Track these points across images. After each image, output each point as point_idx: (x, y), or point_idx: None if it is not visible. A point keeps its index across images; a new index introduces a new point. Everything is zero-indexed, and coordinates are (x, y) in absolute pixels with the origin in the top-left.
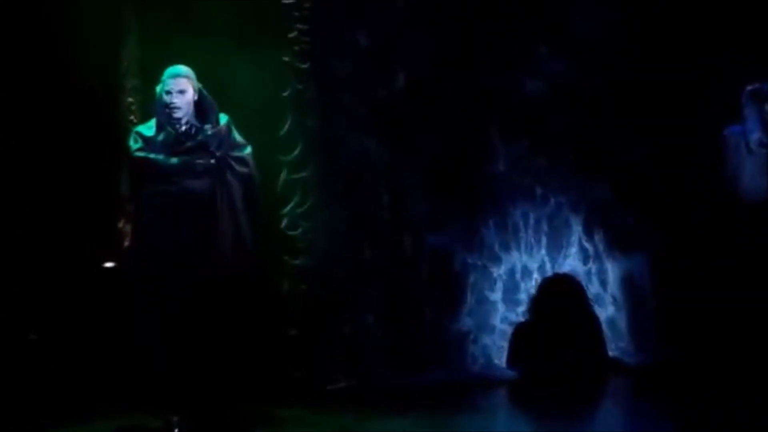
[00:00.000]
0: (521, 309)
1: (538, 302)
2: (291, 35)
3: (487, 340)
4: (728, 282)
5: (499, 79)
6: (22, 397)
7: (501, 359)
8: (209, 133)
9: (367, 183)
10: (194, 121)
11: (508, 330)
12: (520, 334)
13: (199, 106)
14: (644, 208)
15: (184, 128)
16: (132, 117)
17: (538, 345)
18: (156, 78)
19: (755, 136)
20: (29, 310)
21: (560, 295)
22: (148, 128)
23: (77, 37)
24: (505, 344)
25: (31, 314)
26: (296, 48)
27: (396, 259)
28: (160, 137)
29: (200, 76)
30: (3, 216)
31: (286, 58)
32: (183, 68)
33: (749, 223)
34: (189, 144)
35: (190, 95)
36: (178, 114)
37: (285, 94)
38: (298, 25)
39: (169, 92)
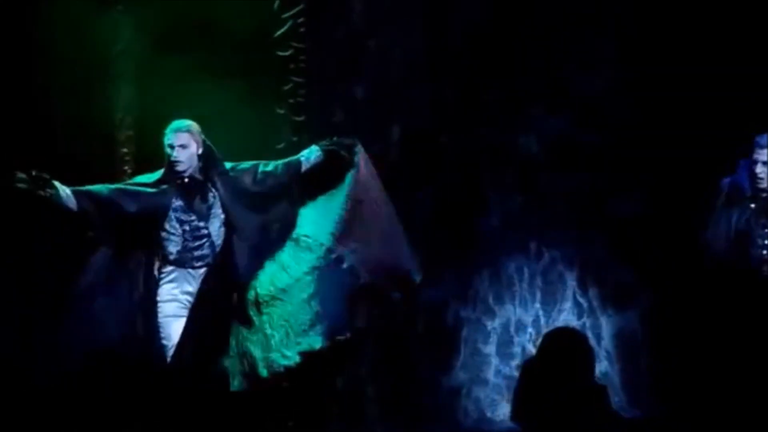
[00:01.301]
0: (515, 363)
1: (541, 355)
2: (286, 87)
3: (480, 393)
4: (721, 340)
5: (494, 133)
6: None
7: (494, 413)
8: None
9: None
10: (197, 175)
11: (502, 384)
12: (525, 387)
13: (204, 158)
14: (638, 264)
15: (186, 180)
16: (126, 168)
17: (542, 398)
18: (150, 129)
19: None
20: None
21: (563, 349)
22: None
23: (70, 87)
24: (499, 398)
25: None
26: (291, 100)
27: (389, 312)
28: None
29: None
30: None
31: (281, 111)
32: (185, 123)
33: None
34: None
35: (194, 149)
36: (180, 167)
37: (279, 146)
38: (294, 78)
39: (171, 146)
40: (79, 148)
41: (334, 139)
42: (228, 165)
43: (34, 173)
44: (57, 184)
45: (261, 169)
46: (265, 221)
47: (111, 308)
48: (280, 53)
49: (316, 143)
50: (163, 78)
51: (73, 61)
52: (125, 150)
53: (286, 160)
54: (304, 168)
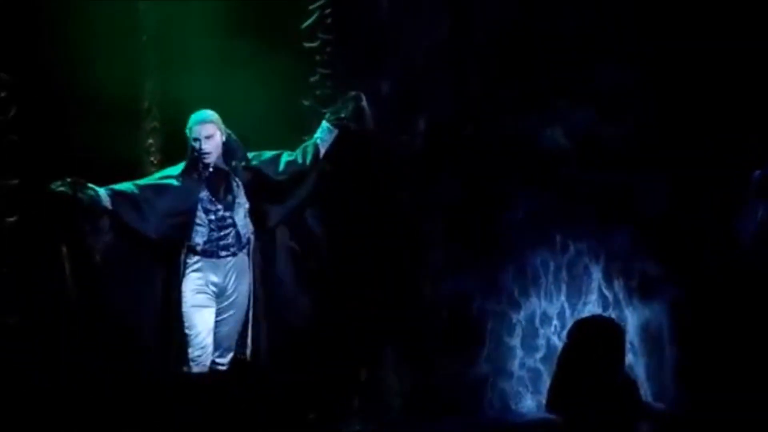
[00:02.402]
0: (540, 355)
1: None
2: (313, 79)
3: (504, 385)
4: (747, 332)
5: (520, 126)
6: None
7: (518, 405)
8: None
9: (386, 228)
10: (222, 165)
11: (527, 376)
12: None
13: (226, 148)
14: (664, 256)
15: (211, 170)
16: (152, 158)
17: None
18: (176, 119)
19: None
20: None
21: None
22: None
23: (96, 80)
24: (523, 390)
25: None
26: (317, 92)
27: (415, 304)
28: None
29: (221, 118)
30: None
31: (307, 102)
32: (208, 113)
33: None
34: None
35: (218, 139)
36: (208, 159)
37: (305, 138)
38: (320, 70)
39: (197, 139)
40: (105, 139)
41: (338, 103)
42: (251, 154)
43: (68, 179)
44: (91, 185)
45: (284, 159)
46: (289, 208)
47: (137, 298)
48: (307, 45)
49: (325, 117)
50: (189, 69)
51: (99, 52)
52: (151, 141)
53: (305, 145)
54: (322, 151)
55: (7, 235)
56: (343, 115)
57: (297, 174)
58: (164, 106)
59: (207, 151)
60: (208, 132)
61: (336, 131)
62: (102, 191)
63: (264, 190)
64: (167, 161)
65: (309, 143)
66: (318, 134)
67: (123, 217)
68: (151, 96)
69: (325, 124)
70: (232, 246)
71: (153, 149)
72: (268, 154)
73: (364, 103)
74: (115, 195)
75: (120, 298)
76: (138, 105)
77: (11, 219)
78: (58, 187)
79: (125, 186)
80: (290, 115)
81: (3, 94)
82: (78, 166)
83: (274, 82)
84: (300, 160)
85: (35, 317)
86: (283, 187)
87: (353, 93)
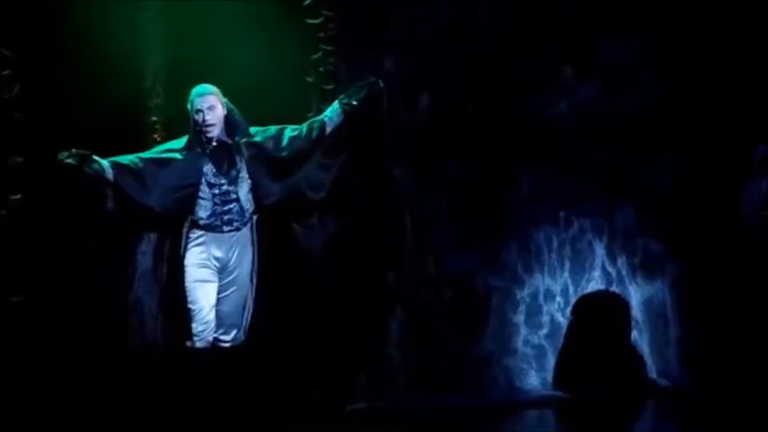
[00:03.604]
0: (544, 332)
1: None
2: (315, 56)
3: (509, 362)
4: (751, 308)
5: (524, 103)
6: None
7: (523, 382)
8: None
9: (390, 205)
10: (224, 137)
11: (531, 353)
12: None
13: (228, 122)
14: (667, 233)
15: (215, 144)
16: (156, 136)
17: (582, 366)
18: (179, 97)
19: None
20: None
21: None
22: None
23: (99, 57)
24: (527, 367)
25: None
26: (321, 69)
27: (419, 281)
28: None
29: (224, 96)
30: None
31: (310, 79)
32: (208, 86)
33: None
34: None
35: (220, 111)
36: (212, 132)
37: (309, 115)
38: (323, 46)
39: (199, 111)
40: (108, 117)
41: (356, 85)
42: (254, 130)
43: (75, 150)
44: (96, 158)
45: (288, 134)
46: (292, 186)
47: (139, 273)
48: (310, 21)
49: (338, 98)
50: (192, 46)
51: (102, 30)
52: (155, 118)
53: (312, 121)
54: (328, 129)
55: (12, 212)
56: (354, 102)
57: (300, 150)
58: (167, 83)
59: (210, 122)
60: (210, 103)
61: (344, 117)
62: (105, 163)
63: (266, 166)
64: (171, 138)
65: (316, 119)
66: (327, 113)
67: (125, 189)
68: (154, 74)
69: (336, 104)
70: (236, 221)
71: (157, 126)
72: (272, 129)
73: (380, 89)
74: (117, 167)
75: (122, 272)
76: (141, 83)
77: (15, 197)
78: (66, 158)
79: (128, 158)
80: (293, 91)
81: (6, 72)
82: (82, 144)
83: (276, 58)
84: (304, 135)
85: (39, 294)
86: (286, 164)
87: (371, 79)
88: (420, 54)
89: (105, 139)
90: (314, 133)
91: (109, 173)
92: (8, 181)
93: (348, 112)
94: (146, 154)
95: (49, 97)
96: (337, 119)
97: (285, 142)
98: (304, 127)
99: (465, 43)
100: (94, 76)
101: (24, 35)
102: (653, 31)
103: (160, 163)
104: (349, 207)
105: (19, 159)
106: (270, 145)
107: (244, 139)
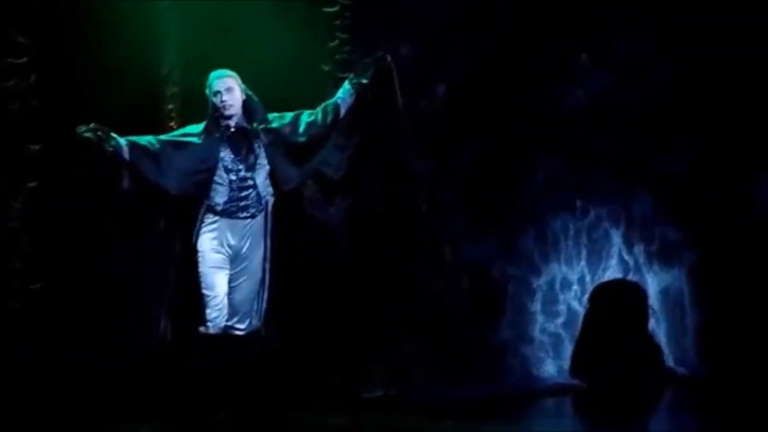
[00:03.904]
0: (560, 320)
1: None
2: (332, 44)
3: (525, 351)
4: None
5: (540, 91)
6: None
7: (539, 370)
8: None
9: (406, 193)
10: (243, 123)
11: (547, 341)
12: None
13: (246, 107)
14: (684, 221)
15: (233, 130)
16: (172, 124)
17: (599, 355)
18: (196, 84)
19: None
20: None
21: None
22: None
23: (116, 45)
24: (544, 355)
25: None
26: (336, 57)
27: (435, 270)
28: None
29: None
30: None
31: (326, 68)
32: (226, 70)
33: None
34: None
35: (239, 94)
36: (230, 111)
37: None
38: (339, 35)
39: (217, 92)
40: (125, 104)
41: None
42: (271, 116)
43: (94, 125)
44: (114, 135)
45: (304, 119)
46: (310, 170)
47: (153, 257)
48: (326, 9)
49: (348, 78)
50: (209, 34)
51: (119, 17)
52: (171, 106)
53: (325, 104)
54: (342, 111)
55: (29, 199)
56: (363, 81)
57: (317, 135)
58: (184, 71)
59: (229, 102)
60: (228, 84)
61: (356, 96)
62: (122, 141)
63: (284, 152)
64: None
65: (329, 102)
66: (340, 93)
67: (141, 169)
68: (170, 61)
69: (347, 84)
70: (252, 207)
71: (173, 114)
72: (289, 115)
73: (389, 64)
74: (134, 147)
75: (136, 256)
76: (158, 70)
77: (32, 184)
78: (84, 132)
79: (145, 139)
80: (309, 80)
81: (23, 60)
82: None
83: (293, 46)
84: (320, 120)
85: (57, 281)
86: (303, 149)
87: (378, 54)
88: (436, 41)
89: (121, 127)
90: (329, 117)
91: (126, 152)
92: (25, 169)
93: (359, 91)
94: (164, 137)
95: (66, 85)
96: (349, 99)
97: (302, 127)
98: (319, 111)
99: (481, 30)
100: (111, 63)
101: (41, 23)
102: (669, 19)
103: (178, 145)
104: (368, 187)
105: (36, 147)
106: (287, 130)
107: (262, 126)
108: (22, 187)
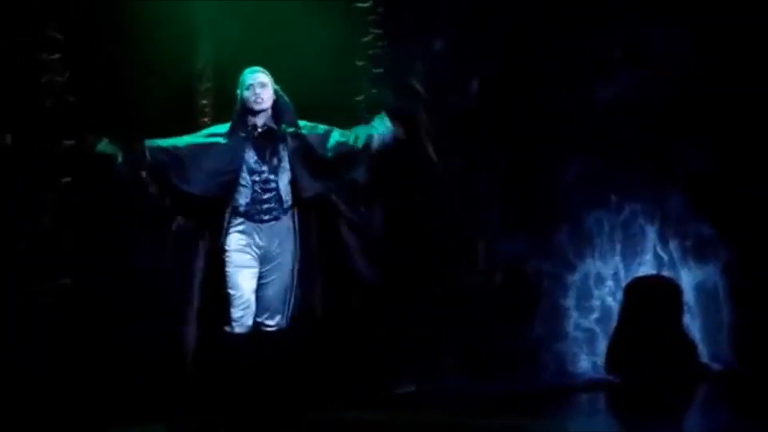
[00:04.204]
0: (594, 316)
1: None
2: (366, 39)
3: (559, 347)
4: None
5: (574, 86)
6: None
7: (573, 366)
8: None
9: (440, 189)
10: (271, 123)
11: (581, 337)
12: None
13: (276, 108)
14: (719, 217)
15: (260, 130)
16: (206, 119)
17: (634, 351)
18: (230, 80)
19: None
20: None
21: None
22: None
23: (150, 41)
24: (578, 351)
25: None
26: (370, 52)
27: (469, 265)
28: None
29: (274, 79)
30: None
31: (360, 63)
32: (260, 67)
33: None
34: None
35: (270, 92)
36: (261, 106)
37: (359, 98)
38: (373, 30)
39: (251, 85)
40: (159, 100)
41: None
42: (303, 123)
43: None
44: (132, 144)
45: (335, 137)
46: (332, 184)
47: (181, 257)
48: (360, 5)
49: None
50: (243, 30)
51: (153, 12)
52: (205, 102)
53: (359, 130)
54: (375, 144)
55: (63, 196)
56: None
57: (343, 156)
58: (218, 67)
59: (261, 96)
60: (262, 80)
61: (394, 141)
62: (144, 147)
63: (308, 162)
64: (221, 122)
65: (363, 130)
66: (377, 125)
67: (164, 175)
68: (204, 57)
69: (386, 121)
70: (275, 210)
71: (206, 110)
72: (322, 128)
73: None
74: (154, 152)
75: (163, 254)
76: (192, 66)
77: (66, 180)
78: (100, 148)
79: (169, 142)
80: (343, 75)
81: (58, 56)
82: (132, 127)
83: (326, 42)
84: (350, 144)
85: (89, 279)
86: (326, 165)
87: (398, 131)
88: (469, 36)
89: (154, 122)
90: (360, 143)
91: (146, 161)
92: (59, 165)
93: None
94: (189, 138)
95: (100, 81)
96: (387, 136)
97: (330, 143)
98: (351, 135)
99: (514, 25)
100: (145, 59)
101: (75, 19)
102: (704, 15)
103: (204, 146)
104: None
105: (71, 142)
106: (315, 142)
107: (291, 129)
108: (56, 182)
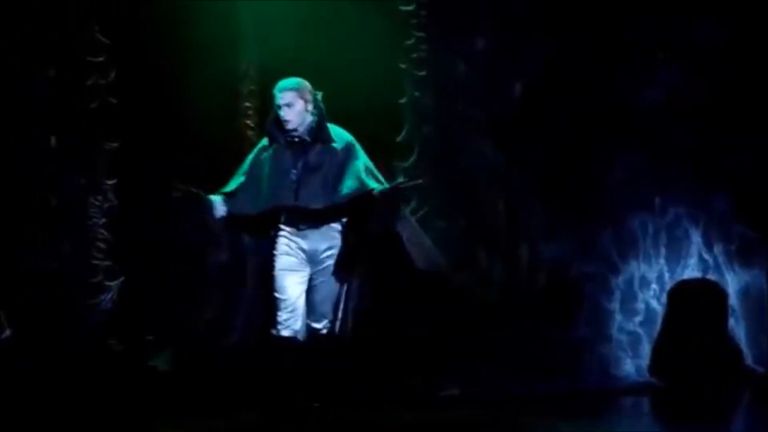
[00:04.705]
0: (638, 319)
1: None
2: (408, 42)
3: (603, 349)
4: None
5: (618, 87)
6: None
7: (617, 369)
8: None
9: (482, 191)
10: (306, 137)
11: (625, 340)
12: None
13: (311, 120)
14: (764, 221)
15: (296, 139)
16: (249, 121)
17: (679, 354)
18: (273, 82)
19: None
20: None
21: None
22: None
23: (194, 43)
24: (622, 354)
25: None
26: (413, 55)
27: (512, 267)
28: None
29: (317, 82)
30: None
31: (403, 66)
32: (291, 81)
33: None
34: None
35: (300, 106)
36: (289, 126)
37: (402, 101)
38: (416, 33)
39: (278, 106)
40: (202, 101)
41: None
42: (337, 134)
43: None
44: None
45: (362, 175)
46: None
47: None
48: (403, 8)
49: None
50: (286, 32)
51: (196, 15)
52: (248, 104)
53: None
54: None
55: (107, 196)
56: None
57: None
58: (261, 68)
59: (287, 118)
60: (287, 100)
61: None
62: (215, 199)
63: (317, 173)
64: (264, 123)
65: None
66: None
67: (237, 213)
68: (248, 59)
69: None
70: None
71: (250, 112)
72: (361, 153)
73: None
74: (227, 199)
75: (213, 261)
76: (235, 68)
77: (111, 182)
78: (179, 201)
79: (234, 183)
80: (386, 78)
81: (102, 58)
82: (176, 129)
83: (369, 45)
84: (368, 188)
85: (136, 278)
86: (335, 183)
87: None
88: (511, 38)
89: (199, 124)
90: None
91: (222, 211)
92: (104, 166)
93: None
94: (246, 166)
95: (144, 83)
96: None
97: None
98: (377, 186)
99: (557, 25)
100: (189, 61)
101: (120, 21)
102: (752, 14)
103: (259, 165)
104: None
105: (115, 144)
106: (336, 159)
107: (323, 140)
108: (101, 184)
